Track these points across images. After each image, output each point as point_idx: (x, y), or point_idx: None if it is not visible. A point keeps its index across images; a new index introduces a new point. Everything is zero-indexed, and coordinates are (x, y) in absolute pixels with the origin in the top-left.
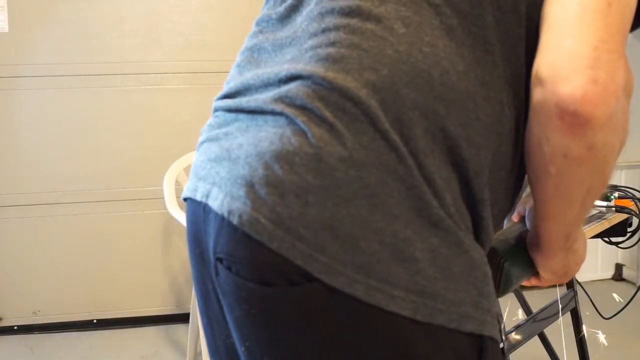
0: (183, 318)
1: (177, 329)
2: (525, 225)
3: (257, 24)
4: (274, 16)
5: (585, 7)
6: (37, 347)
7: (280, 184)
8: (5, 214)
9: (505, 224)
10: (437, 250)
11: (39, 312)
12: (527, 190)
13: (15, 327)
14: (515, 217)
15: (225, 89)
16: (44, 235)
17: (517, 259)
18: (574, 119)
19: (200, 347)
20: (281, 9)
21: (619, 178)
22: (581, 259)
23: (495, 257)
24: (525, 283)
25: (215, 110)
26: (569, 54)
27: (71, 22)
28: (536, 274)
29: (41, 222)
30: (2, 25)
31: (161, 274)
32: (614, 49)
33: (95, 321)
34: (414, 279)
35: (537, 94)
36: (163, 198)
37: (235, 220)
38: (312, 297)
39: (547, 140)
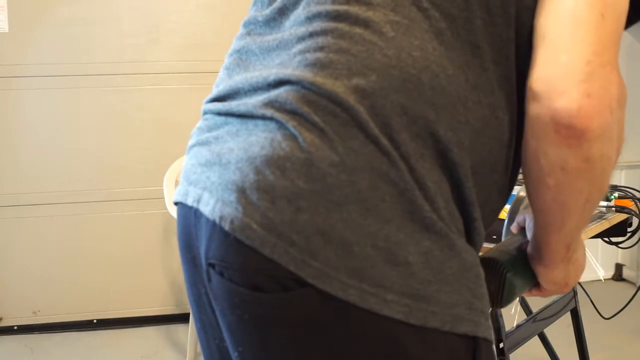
0: (183, 318)
1: (177, 329)
2: (525, 236)
3: (245, 26)
4: (260, 19)
5: (578, 21)
6: (37, 347)
7: (271, 189)
8: (5, 214)
9: (504, 235)
10: (429, 253)
11: (39, 312)
12: (526, 201)
13: (15, 327)
14: (514, 229)
15: (214, 92)
16: (43, 236)
17: (519, 269)
18: (570, 132)
19: (200, 346)
20: (267, 11)
21: (619, 178)
22: (581, 269)
23: (497, 268)
24: (526, 294)
25: (205, 113)
26: (563, 68)
27: (71, 22)
28: (537, 284)
29: (41, 222)
30: (2, 25)
31: (161, 274)
32: (607, 62)
33: (95, 321)
34: (407, 282)
35: (532, 109)
36: (163, 198)
37: (227, 226)
38: (305, 302)
39: (545, 153)
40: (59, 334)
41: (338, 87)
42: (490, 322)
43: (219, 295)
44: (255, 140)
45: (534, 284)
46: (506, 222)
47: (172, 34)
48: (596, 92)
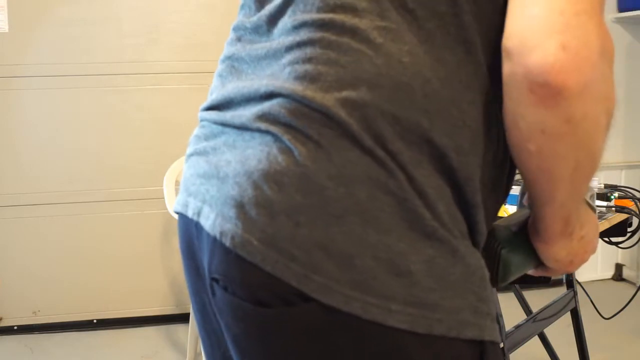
0: (183, 318)
1: (177, 329)
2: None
3: (234, 31)
4: (248, 25)
5: None
6: (37, 347)
7: (270, 204)
8: (5, 214)
9: (518, 208)
10: (432, 261)
11: (39, 312)
12: None
13: (15, 327)
14: (526, 201)
15: (209, 100)
16: (43, 235)
17: (517, 246)
18: (546, 90)
19: (200, 347)
20: (255, 18)
21: (619, 178)
22: (591, 247)
23: (492, 245)
24: (532, 273)
25: (202, 120)
26: (534, 20)
27: (71, 22)
28: (540, 262)
29: (41, 222)
30: (2, 25)
31: (161, 274)
32: (583, 11)
33: (95, 321)
34: (411, 291)
35: (505, 67)
36: (163, 198)
37: (227, 242)
38: (310, 316)
39: (522, 116)
40: (59, 334)
41: (328, 100)
42: (496, 323)
43: (223, 309)
44: (252, 154)
45: (537, 261)
46: (519, 194)
47: (172, 34)
48: (572, 44)
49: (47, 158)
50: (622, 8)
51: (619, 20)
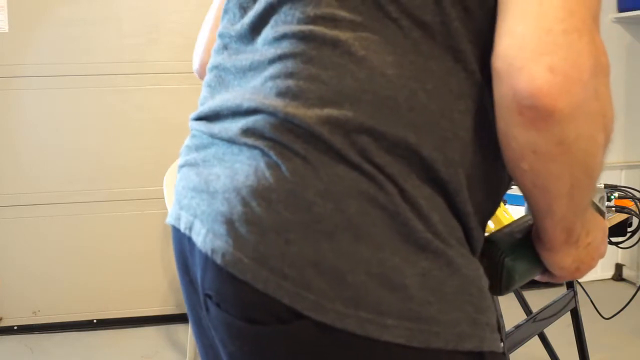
0: (183, 318)
1: (177, 329)
2: None
3: (220, 38)
4: (233, 34)
5: None
6: (37, 347)
7: (259, 221)
8: (5, 213)
9: (526, 212)
10: (427, 273)
11: (39, 312)
12: None
13: (15, 327)
14: None
15: (199, 109)
16: (43, 235)
17: (521, 254)
18: (535, 113)
19: None
20: (238, 27)
21: (619, 178)
22: (598, 253)
23: (495, 253)
24: (537, 278)
25: (192, 129)
26: (520, 40)
27: (71, 22)
28: (545, 269)
29: (41, 222)
30: (2, 25)
31: (161, 274)
32: (573, 28)
33: (95, 321)
34: (406, 306)
35: (495, 87)
36: (163, 198)
37: (218, 260)
38: (303, 333)
39: (513, 136)
40: (59, 334)
41: (310, 117)
42: (497, 332)
43: (217, 326)
44: (240, 168)
45: (542, 268)
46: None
47: (172, 34)
48: (560, 65)
49: (47, 158)
50: (622, 8)
51: (619, 20)
